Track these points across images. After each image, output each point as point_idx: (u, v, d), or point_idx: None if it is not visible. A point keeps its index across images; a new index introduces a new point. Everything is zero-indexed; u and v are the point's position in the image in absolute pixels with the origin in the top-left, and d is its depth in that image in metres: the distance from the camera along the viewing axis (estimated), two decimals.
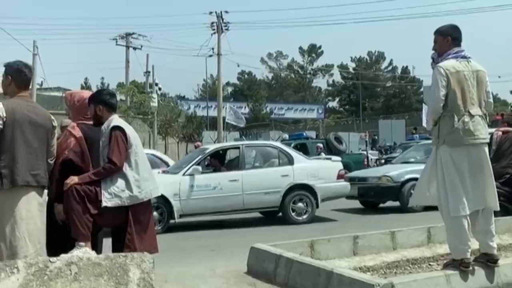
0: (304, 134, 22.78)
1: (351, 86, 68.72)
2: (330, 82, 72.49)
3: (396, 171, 11.45)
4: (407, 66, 68.66)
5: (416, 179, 10.88)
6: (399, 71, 69.57)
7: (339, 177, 10.43)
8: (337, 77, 71.52)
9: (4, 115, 3.67)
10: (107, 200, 3.98)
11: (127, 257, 3.32)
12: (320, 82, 74.14)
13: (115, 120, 4.26)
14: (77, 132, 4.07)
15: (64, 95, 4.50)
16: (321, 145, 18.19)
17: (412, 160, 12.47)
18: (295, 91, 69.95)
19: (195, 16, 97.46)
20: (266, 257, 5.03)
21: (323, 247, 5.47)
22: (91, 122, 4.23)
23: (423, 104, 30.52)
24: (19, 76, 3.88)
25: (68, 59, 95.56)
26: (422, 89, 61.92)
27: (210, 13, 32.57)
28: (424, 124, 26.96)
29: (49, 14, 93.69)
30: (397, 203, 11.24)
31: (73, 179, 3.93)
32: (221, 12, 32.51)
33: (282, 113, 55.34)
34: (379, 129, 33.93)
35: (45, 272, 3.13)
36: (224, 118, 29.66)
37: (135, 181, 4.12)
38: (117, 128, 4.15)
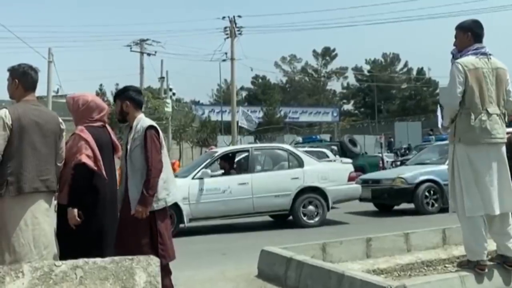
0: (318, 137, 22.62)
1: (366, 88, 68.33)
2: (345, 85, 72.25)
3: (410, 173, 11.34)
4: (422, 68, 68.16)
5: (430, 180, 10.87)
6: (414, 72, 68.96)
7: (350, 179, 10.30)
8: (351, 79, 71.28)
9: (10, 122, 3.63)
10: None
11: (133, 260, 3.27)
12: (335, 85, 73.91)
13: (146, 119, 4.23)
14: (87, 135, 3.99)
15: (66, 99, 4.43)
16: (335, 148, 18.04)
17: (427, 161, 12.30)
18: (309, 94, 69.76)
19: (208, 21, 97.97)
20: (276, 260, 4.97)
21: (335, 249, 5.39)
22: (97, 124, 4.15)
23: (438, 106, 30.25)
24: (26, 78, 3.85)
25: (82, 66, 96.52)
26: (438, 91, 61.46)
27: (223, 18, 32.63)
28: (439, 125, 26.74)
29: (64, 21, 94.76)
30: (411, 205, 11.08)
31: (142, 211, 3.92)
32: (234, 16, 32.55)
33: (296, 116, 55.15)
34: (395, 131, 33.65)
35: (51, 276, 3.10)
36: (238, 123, 29.66)
37: (164, 184, 4.07)
38: (152, 128, 4.11)
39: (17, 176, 3.61)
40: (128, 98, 4.19)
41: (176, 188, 4.28)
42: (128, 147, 4.08)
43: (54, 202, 4.00)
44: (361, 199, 11.31)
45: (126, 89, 4.32)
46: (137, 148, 4.04)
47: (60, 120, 3.98)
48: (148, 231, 4.01)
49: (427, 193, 10.87)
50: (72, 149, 3.98)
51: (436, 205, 10.83)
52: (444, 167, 10.58)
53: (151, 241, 4.01)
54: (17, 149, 3.63)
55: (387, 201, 11.59)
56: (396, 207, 11.72)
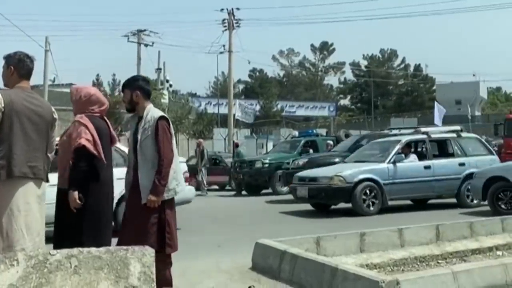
0: (314, 131, 22.61)
1: (363, 84, 68.37)
2: (342, 79, 72.28)
3: (349, 171, 10.53)
4: (419, 64, 68.24)
5: (370, 179, 10.32)
6: (411, 69, 69.05)
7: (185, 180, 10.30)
8: (349, 74, 71.29)
9: (3, 105, 3.63)
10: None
11: (128, 250, 3.27)
12: (332, 80, 73.97)
13: (155, 109, 4.26)
14: (87, 121, 4.05)
15: (70, 89, 4.45)
16: (331, 142, 18.05)
17: (367, 159, 11.41)
18: (306, 88, 69.74)
19: (206, 13, 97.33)
20: (271, 253, 4.99)
21: (329, 243, 5.43)
22: (96, 115, 4.20)
23: (435, 102, 30.33)
24: (21, 66, 3.84)
25: (80, 55, 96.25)
26: (435, 87, 61.58)
27: (222, 10, 32.53)
28: (436, 122, 26.86)
29: (61, 11, 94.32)
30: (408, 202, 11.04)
31: (155, 200, 3.97)
32: (232, 9, 32.46)
33: (293, 110, 55.23)
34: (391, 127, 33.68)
35: (45, 264, 3.10)
36: (234, 116, 29.65)
37: (174, 174, 4.11)
38: (164, 118, 4.15)
39: (8, 159, 3.61)
40: (139, 87, 4.20)
41: (183, 178, 4.30)
42: (139, 137, 4.10)
43: (45, 190, 3.99)
44: (298, 199, 10.95)
45: (136, 79, 4.35)
46: (148, 138, 4.07)
47: (53, 110, 3.97)
48: (157, 220, 4.06)
49: (366, 193, 10.15)
50: (72, 135, 4.02)
51: (374, 205, 10.12)
52: (385, 165, 10.47)
53: (159, 230, 4.06)
54: (8, 133, 3.64)
55: (324, 200, 10.81)
56: (390, 203, 11.62)
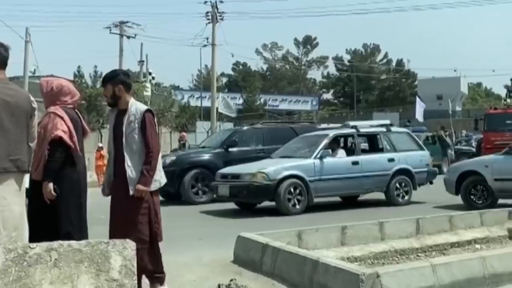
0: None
1: (346, 78, 68.70)
2: (325, 74, 72.52)
3: (273, 167, 9.85)
4: (402, 59, 68.73)
5: (295, 176, 9.60)
6: (394, 64, 69.55)
7: None
8: (332, 69, 71.53)
9: None
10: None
11: (109, 243, 3.25)
12: (315, 74, 74.15)
13: (139, 103, 4.30)
14: (62, 113, 4.03)
15: (39, 81, 4.40)
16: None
17: (293, 154, 10.69)
18: (289, 82, 69.83)
19: (189, 5, 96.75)
20: (252, 246, 5.01)
21: (311, 237, 5.47)
22: (69, 106, 4.17)
23: (416, 97, 30.62)
24: None
25: (61, 47, 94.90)
26: (416, 82, 62.15)
27: (205, 2, 32.26)
28: (417, 117, 27.14)
29: (43, 1, 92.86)
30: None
31: (143, 189, 4.01)
32: (216, 1, 32.26)
33: (276, 104, 55.28)
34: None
35: (24, 258, 3.07)
36: (217, 109, 29.57)
37: (158, 165, 4.18)
38: (149, 111, 4.20)
39: None
40: (121, 82, 4.20)
41: (162, 171, 4.34)
42: (124, 130, 4.13)
43: (26, 183, 3.94)
44: (219, 197, 10.34)
45: (117, 73, 4.34)
46: (134, 131, 4.11)
47: (32, 99, 3.89)
48: (147, 210, 4.11)
49: (291, 190, 9.57)
50: (47, 126, 3.99)
51: (300, 204, 9.59)
52: (311, 161, 9.93)
53: (149, 221, 4.12)
54: None
55: (246, 199, 10.08)
56: (372, 197, 11.69)
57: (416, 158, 11.12)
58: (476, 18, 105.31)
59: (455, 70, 56.17)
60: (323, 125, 13.95)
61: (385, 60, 70.58)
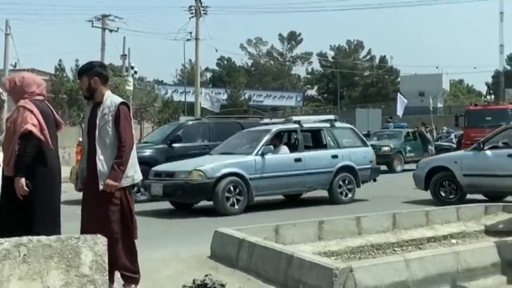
0: None
1: (329, 74, 68.92)
2: (309, 70, 72.69)
3: (210, 164, 9.29)
4: (385, 56, 69.24)
5: (235, 174, 9.07)
6: (377, 60, 69.97)
7: None
8: (316, 65, 71.75)
9: None
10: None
11: (79, 239, 3.22)
12: (299, 70, 74.27)
13: (115, 95, 4.22)
14: (32, 106, 3.95)
15: (2, 80, 4.32)
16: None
17: (234, 150, 10.18)
18: (274, 78, 69.87)
19: None
20: (229, 241, 5.01)
21: (288, 232, 5.47)
22: (39, 98, 4.08)
23: (398, 94, 30.87)
24: None
25: (42, 40, 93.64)
26: (399, 79, 62.59)
27: None
28: (398, 113, 27.37)
29: None
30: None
31: (112, 184, 3.92)
32: None
33: (260, 100, 55.33)
34: (356, 118, 34.11)
35: None
36: (201, 104, 29.47)
37: (131, 161, 4.09)
38: (124, 104, 4.12)
39: None
40: (97, 74, 4.13)
41: (138, 167, 4.26)
42: (97, 122, 4.04)
43: None
44: (152, 197, 9.77)
45: (93, 65, 4.24)
46: (108, 124, 4.02)
47: (1, 90, 3.83)
48: (119, 207, 4.02)
49: (230, 189, 9.05)
50: (17, 120, 3.90)
51: (239, 203, 9.06)
52: (252, 158, 9.45)
53: (122, 218, 4.04)
54: None
55: (181, 198, 9.44)
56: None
57: (360, 154, 10.84)
58: (458, 15, 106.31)
59: (437, 67, 56.76)
60: (266, 120, 13.43)
61: (368, 57, 70.96)
